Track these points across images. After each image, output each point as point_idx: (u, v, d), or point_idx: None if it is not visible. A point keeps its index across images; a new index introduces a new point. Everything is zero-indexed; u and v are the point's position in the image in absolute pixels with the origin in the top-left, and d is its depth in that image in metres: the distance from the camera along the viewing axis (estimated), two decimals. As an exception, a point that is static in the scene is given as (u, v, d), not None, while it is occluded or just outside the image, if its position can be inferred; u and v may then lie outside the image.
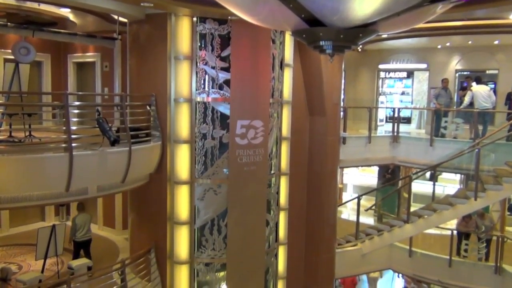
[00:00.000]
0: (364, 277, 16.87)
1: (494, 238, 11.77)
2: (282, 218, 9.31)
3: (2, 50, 10.90)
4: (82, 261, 8.29)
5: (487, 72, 16.21)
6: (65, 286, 6.71)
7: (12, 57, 8.37)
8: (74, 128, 6.95)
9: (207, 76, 7.91)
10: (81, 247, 9.69)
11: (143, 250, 8.32)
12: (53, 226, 8.41)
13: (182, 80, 7.84)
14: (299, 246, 10.48)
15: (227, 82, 7.90)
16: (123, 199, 11.06)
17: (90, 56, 11.87)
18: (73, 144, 6.49)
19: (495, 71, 15.96)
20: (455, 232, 12.24)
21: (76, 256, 9.56)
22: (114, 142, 6.83)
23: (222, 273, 8.32)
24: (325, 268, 10.98)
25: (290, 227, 9.54)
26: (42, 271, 8.50)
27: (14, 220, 11.66)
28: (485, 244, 11.84)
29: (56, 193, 6.83)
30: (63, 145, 6.61)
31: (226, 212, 8.11)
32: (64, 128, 6.63)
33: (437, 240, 13.02)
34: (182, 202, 8.02)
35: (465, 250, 11.85)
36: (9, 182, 6.23)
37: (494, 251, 11.47)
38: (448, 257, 11.74)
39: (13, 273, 8.22)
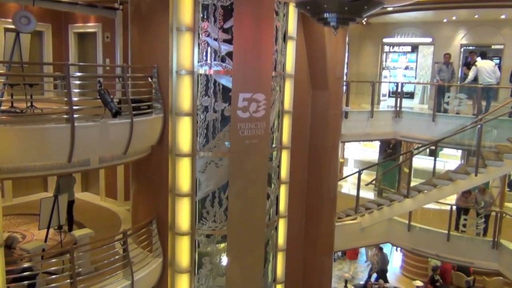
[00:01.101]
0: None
1: (493, 213, 11.86)
2: (283, 191, 9.37)
3: (3, 19, 10.77)
4: (85, 231, 8.39)
5: (493, 47, 16.03)
6: (68, 255, 6.81)
7: (12, 26, 8.27)
8: (75, 99, 6.94)
9: (209, 48, 7.82)
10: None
11: (145, 221, 8.41)
12: (56, 196, 8.47)
13: (184, 51, 7.75)
14: (299, 219, 10.59)
15: (229, 55, 7.82)
16: (125, 170, 11.13)
17: (91, 27, 11.74)
18: (75, 115, 6.48)
19: (501, 46, 15.78)
20: (454, 207, 12.34)
21: (69, 221, 9.78)
22: (115, 114, 6.82)
23: (222, 245, 8.43)
24: (325, 241, 11.12)
25: (291, 200, 9.62)
26: (45, 241, 8.61)
27: (17, 190, 11.75)
28: (483, 220, 11.94)
29: (58, 164, 6.86)
30: (65, 116, 6.61)
31: (227, 184, 8.15)
32: (65, 99, 6.61)
33: (436, 215, 13.13)
34: (183, 175, 8.05)
35: (464, 225, 11.96)
36: (11, 153, 6.24)
37: (492, 227, 11.59)
38: (446, 231, 11.87)
39: (18, 242, 8.32)
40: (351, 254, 17.44)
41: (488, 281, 14.04)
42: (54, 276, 6.85)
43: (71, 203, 9.87)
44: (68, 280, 6.79)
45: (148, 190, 8.91)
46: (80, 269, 7.15)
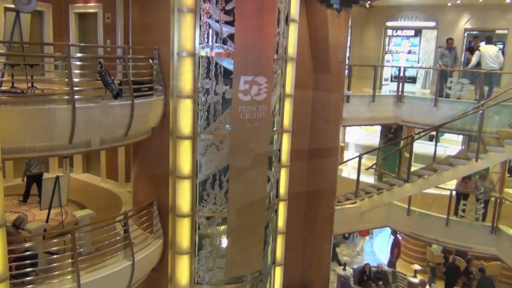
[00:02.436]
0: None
1: (492, 199, 11.91)
2: (283, 174, 9.38)
3: (3, -2, 10.68)
4: (86, 211, 8.44)
5: (497, 32, 15.87)
6: (69, 235, 6.86)
7: (12, 6, 8.20)
8: (76, 80, 6.91)
9: (211, 30, 7.74)
10: (34, 181, 10.15)
11: (145, 202, 8.46)
12: (57, 177, 8.50)
13: (185, 33, 7.68)
14: (299, 203, 10.65)
15: (231, 37, 7.75)
16: (126, 152, 11.13)
17: (91, 7, 11.62)
18: (76, 96, 6.47)
19: (505, 31, 15.62)
20: (454, 192, 12.38)
21: (27, 191, 10.23)
22: (116, 95, 6.81)
23: (222, 227, 8.48)
24: (324, 224, 11.20)
25: (291, 183, 9.64)
26: (47, 221, 8.68)
27: (18, 170, 11.79)
28: (483, 205, 12.00)
29: (59, 145, 6.87)
30: (66, 97, 6.59)
31: (228, 167, 8.16)
32: (66, 80, 6.58)
33: (435, 200, 13.19)
34: (184, 157, 8.06)
35: (463, 210, 12.03)
36: (12, 133, 6.24)
37: (491, 212, 11.65)
38: (445, 216, 11.94)
39: (27, 223, 8.34)
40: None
41: (486, 265, 14.15)
42: (55, 256, 6.91)
43: (40, 176, 10.15)
44: (70, 260, 6.85)
45: (149, 172, 8.93)
46: (81, 249, 7.20)
